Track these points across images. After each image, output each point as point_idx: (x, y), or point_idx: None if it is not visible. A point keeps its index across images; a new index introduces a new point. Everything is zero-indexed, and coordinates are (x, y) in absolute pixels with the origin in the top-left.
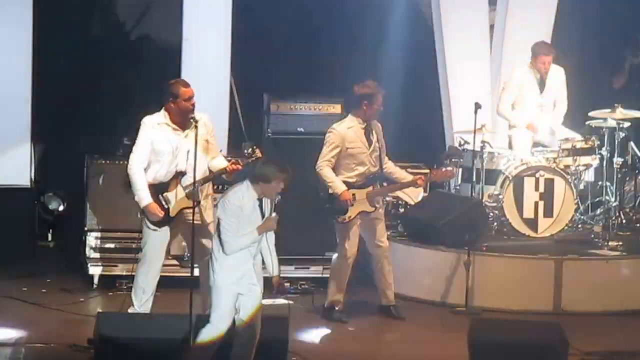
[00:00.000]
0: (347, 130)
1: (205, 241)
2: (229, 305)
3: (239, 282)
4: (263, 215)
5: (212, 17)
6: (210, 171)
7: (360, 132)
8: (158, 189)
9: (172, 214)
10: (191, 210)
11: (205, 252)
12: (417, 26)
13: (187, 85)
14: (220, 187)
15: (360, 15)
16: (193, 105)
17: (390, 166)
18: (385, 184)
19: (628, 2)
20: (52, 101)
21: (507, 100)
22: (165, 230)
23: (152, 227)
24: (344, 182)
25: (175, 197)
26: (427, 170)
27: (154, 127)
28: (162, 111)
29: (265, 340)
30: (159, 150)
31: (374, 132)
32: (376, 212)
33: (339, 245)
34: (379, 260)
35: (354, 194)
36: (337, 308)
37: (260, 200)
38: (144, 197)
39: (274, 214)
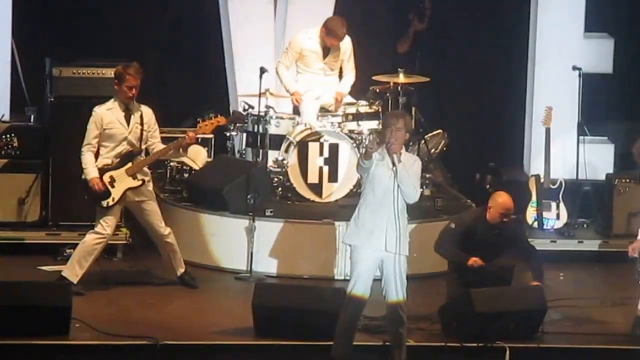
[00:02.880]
0: (105, 112)
1: None
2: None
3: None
4: None
5: None
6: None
7: (119, 113)
8: None
9: None
10: None
11: None
12: None
13: None
14: None
15: None
16: None
17: (159, 147)
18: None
19: None
20: None
21: (286, 62)
22: None
23: None
24: (103, 165)
25: None
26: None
27: None
28: None
29: (48, 306)
30: None
31: (137, 114)
32: (145, 191)
33: (97, 223)
34: (163, 245)
35: (111, 176)
36: (75, 282)
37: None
38: None
39: None
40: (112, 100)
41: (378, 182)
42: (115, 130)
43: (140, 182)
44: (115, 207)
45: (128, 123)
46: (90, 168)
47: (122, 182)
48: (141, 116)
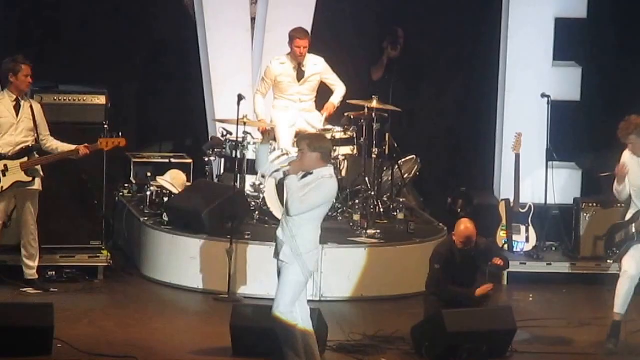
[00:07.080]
0: None
1: None
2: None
3: None
4: None
5: None
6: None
7: (9, 104)
8: None
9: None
10: None
11: None
12: (179, 17)
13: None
14: None
15: (120, 8)
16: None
17: (52, 143)
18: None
19: None
20: None
21: (262, 90)
22: None
23: None
24: None
25: None
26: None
27: None
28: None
29: (31, 327)
30: None
31: (27, 106)
32: (35, 183)
33: None
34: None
35: (5, 165)
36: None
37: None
38: None
39: None
40: (1, 92)
41: None
42: (4, 119)
43: (30, 179)
44: (5, 195)
45: (17, 113)
46: None
47: (15, 174)
48: (31, 108)
